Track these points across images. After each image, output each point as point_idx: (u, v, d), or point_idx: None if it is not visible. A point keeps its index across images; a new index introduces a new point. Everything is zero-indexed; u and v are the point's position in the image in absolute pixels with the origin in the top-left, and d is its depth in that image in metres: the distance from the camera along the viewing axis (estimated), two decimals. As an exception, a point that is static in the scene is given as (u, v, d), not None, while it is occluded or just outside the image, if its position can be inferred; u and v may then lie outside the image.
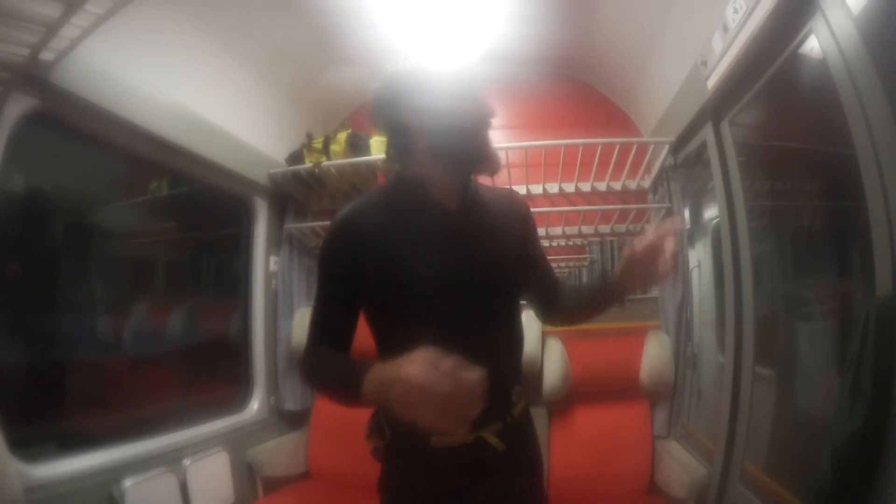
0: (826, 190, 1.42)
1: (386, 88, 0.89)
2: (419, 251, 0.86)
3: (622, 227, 2.31)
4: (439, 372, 0.62)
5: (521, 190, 2.37)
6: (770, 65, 1.36)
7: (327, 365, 0.86)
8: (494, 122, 0.90)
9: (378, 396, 0.70)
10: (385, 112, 0.89)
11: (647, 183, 2.31)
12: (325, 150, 2.28)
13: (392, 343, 0.80)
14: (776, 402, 1.55)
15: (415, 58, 0.89)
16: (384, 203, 0.90)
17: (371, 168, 2.29)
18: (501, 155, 2.33)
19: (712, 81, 1.53)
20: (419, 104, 0.86)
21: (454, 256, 0.86)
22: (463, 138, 0.87)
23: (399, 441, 0.88)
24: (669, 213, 2.10)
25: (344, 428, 2.23)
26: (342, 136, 2.26)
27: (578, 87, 2.53)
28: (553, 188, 2.38)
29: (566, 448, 2.02)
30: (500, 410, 0.89)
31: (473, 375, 0.63)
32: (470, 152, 0.88)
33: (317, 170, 2.28)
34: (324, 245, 0.91)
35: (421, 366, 0.63)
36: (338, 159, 2.26)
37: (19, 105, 1.30)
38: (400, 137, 0.90)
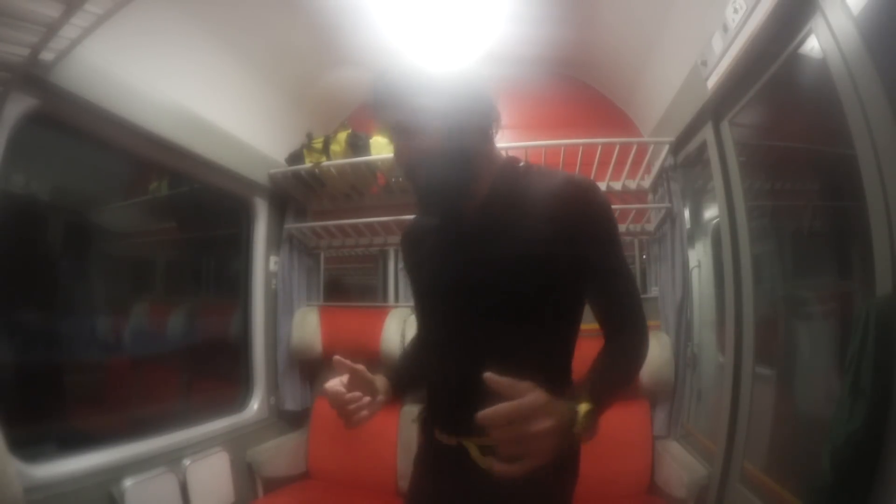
0: (826, 190, 1.42)
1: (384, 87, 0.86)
2: (428, 257, 0.91)
3: (622, 227, 2.30)
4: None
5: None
6: (770, 65, 1.36)
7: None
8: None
9: None
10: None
11: (647, 183, 2.31)
12: (325, 150, 2.28)
13: (419, 338, 1.04)
14: (776, 402, 1.55)
15: (407, 57, 0.86)
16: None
17: (371, 168, 2.29)
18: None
19: (712, 81, 1.53)
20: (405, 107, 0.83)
21: (455, 263, 0.85)
22: (417, 168, 0.84)
23: (421, 429, 1.00)
24: (669, 213, 2.10)
25: (344, 428, 2.23)
26: (342, 136, 2.26)
27: (578, 87, 2.53)
28: (553, 188, 2.37)
29: (566, 448, 2.01)
30: None
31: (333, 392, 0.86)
32: (423, 186, 0.84)
33: (317, 170, 2.28)
34: None
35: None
36: (338, 159, 2.26)
37: (19, 105, 1.30)
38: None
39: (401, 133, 0.83)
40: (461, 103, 0.81)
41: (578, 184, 0.81)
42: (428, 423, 0.95)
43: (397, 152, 0.86)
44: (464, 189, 0.84)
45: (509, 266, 0.80)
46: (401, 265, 1.06)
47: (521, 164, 0.90)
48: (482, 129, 0.85)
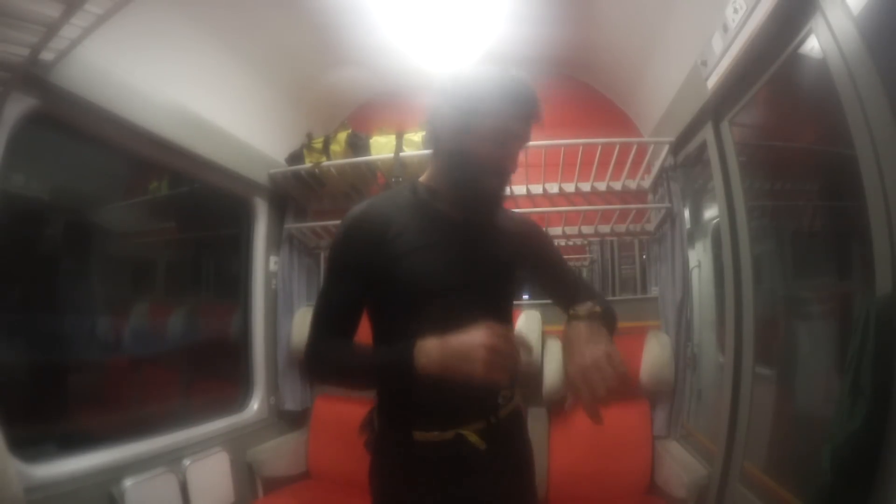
0: (826, 190, 1.42)
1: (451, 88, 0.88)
2: (429, 253, 0.91)
3: (622, 227, 2.31)
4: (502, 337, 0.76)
5: (520, 190, 2.38)
6: (770, 65, 1.36)
7: (344, 352, 0.89)
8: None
9: (438, 366, 0.77)
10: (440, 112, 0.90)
11: (647, 183, 2.31)
12: (325, 150, 2.28)
13: (390, 336, 0.90)
14: (776, 402, 1.55)
15: (478, 63, 0.88)
16: (399, 203, 0.95)
17: (371, 168, 2.29)
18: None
19: (712, 81, 1.53)
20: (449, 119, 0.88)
21: (460, 261, 0.90)
22: (468, 174, 0.88)
23: (385, 434, 0.95)
24: (669, 213, 2.10)
25: (344, 428, 2.22)
26: (342, 136, 2.26)
27: (578, 87, 2.53)
28: (553, 188, 2.38)
29: (566, 448, 2.01)
30: (485, 410, 0.92)
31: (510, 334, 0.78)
32: (470, 193, 0.90)
33: (317, 170, 2.29)
34: (336, 239, 0.93)
35: (488, 333, 0.75)
36: (338, 159, 2.26)
37: (19, 105, 1.30)
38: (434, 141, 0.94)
39: (515, 141, 0.88)
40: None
41: (532, 220, 1.13)
42: (395, 426, 0.93)
43: (501, 158, 0.88)
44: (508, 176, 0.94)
45: (507, 267, 0.98)
46: (354, 253, 0.91)
47: None
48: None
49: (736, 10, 1.31)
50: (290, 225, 2.46)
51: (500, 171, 0.89)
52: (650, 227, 2.29)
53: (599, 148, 2.14)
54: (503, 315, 0.97)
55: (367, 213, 0.92)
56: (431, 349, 0.78)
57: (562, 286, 1.08)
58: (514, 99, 0.84)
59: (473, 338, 0.76)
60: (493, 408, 0.93)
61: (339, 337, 0.90)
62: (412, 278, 0.90)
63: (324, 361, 0.91)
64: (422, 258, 0.90)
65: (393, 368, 0.83)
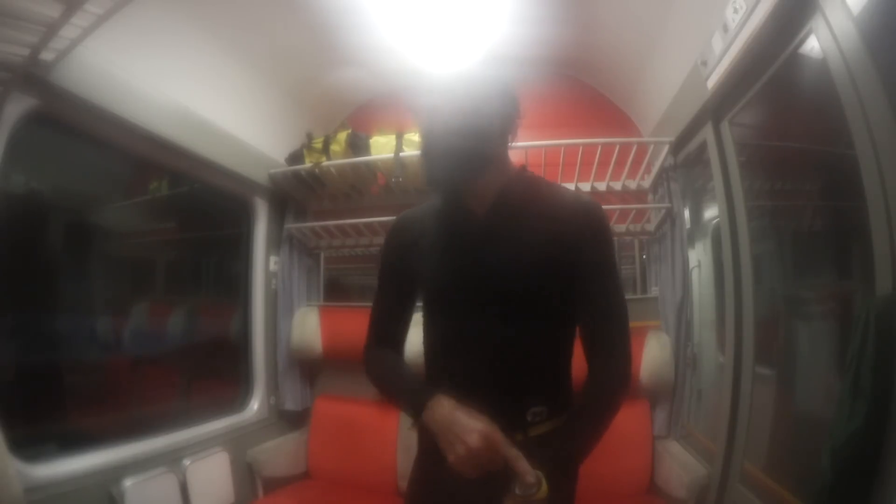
0: (826, 190, 1.42)
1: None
2: (440, 256, 0.91)
3: (622, 227, 2.30)
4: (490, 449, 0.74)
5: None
6: (770, 65, 1.36)
7: (389, 375, 0.96)
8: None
9: (433, 427, 0.79)
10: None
11: (647, 183, 2.31)
12: (325, 150, 2.28)
13: (426, 340, 0.96)
14: (776, 402, 1.55)
15: (436, 62, 0.91)
16: (434, 206, 0.96)
17: (371, 168, 2.29)
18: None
19: (712, 81, 1.53)
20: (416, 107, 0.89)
21: (468, 263, 0.87)
22: (429, 154, 0.87)
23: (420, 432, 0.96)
24: (669, 213, 2.10)
25: (344, 428, 2.23)
26: (342, 136, 2.26)
27: (578, 87, 2.53)
28: (553, 188, 2.37)
29: (566, 448, 2.01)
30: (507, 427, 0.81)
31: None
32: (435, 170, 0.87)
33: (317, 170, 2.29)
34: (383, 245, 1.02)
35: (479, 441, 0.74)
36: (338, 159, 2.26)
37: (19, 105, 1.30)
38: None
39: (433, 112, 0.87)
40: (493, 96, 0.87)
41: (587, 207, 0.90)
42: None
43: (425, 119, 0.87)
44: (476, 170, 0.87)
45: (529, 270, 0.85)
46: (393, 257, 0.98)
47: (529, 173, 0.96)
48: (504, 128, 0.90)
49: (736, 10, 1.31)
50: (290, 225, 2.45)
51: (437, 151, 0.86)
52: (650, 227, 2.29)
53: (599, 148, 2.14)
54: (529, 332, 0.86)
55: (402, 219, 0.99)
56: (438, 408, 0.79)
57: (589, 329, 0.89)
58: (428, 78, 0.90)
59: (469, 428, 0.74)
60: (521, 425, 0.85)
61: (388, 341, 0.99)
62: (424, 284, 0.94)
63: (370, 372, 0.98)
64: (434, 264, 0.91)
65: (406, 407, 0.87)
